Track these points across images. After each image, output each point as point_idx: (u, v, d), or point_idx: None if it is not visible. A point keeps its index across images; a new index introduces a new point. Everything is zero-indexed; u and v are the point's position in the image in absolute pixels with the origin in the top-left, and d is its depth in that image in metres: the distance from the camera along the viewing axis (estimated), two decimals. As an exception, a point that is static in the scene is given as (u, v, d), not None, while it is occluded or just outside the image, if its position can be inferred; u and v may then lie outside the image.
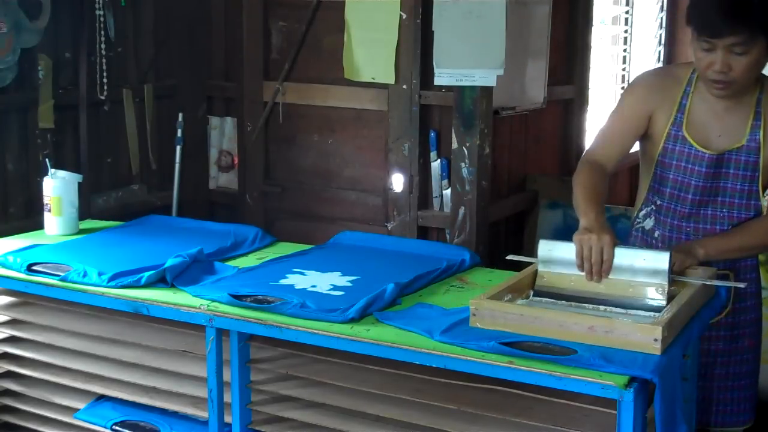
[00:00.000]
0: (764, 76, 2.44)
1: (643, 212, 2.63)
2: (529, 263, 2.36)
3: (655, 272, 2.18)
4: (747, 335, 2.56)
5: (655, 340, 1.89)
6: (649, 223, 2.61)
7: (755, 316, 2.58)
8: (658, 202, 2.57)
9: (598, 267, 2.21)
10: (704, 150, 2.43)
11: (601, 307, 2.20)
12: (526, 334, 1.99)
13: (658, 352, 1.89)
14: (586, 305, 2.21)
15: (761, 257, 3.56)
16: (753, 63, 2.30)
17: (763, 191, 2.49)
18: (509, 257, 2.44)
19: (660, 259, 2.18)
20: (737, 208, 2.48)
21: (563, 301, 2.24)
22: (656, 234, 2.59)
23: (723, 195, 2.48)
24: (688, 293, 2.15)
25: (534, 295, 2.28)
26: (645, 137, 2.56)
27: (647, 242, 2.61)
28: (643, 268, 2.19)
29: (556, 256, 2.28)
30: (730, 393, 2.54)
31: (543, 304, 2.21)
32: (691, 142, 2.45)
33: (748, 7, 2.23)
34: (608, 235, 2.22)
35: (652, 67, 2.54)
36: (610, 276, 2.21)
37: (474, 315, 2.07)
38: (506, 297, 2.18)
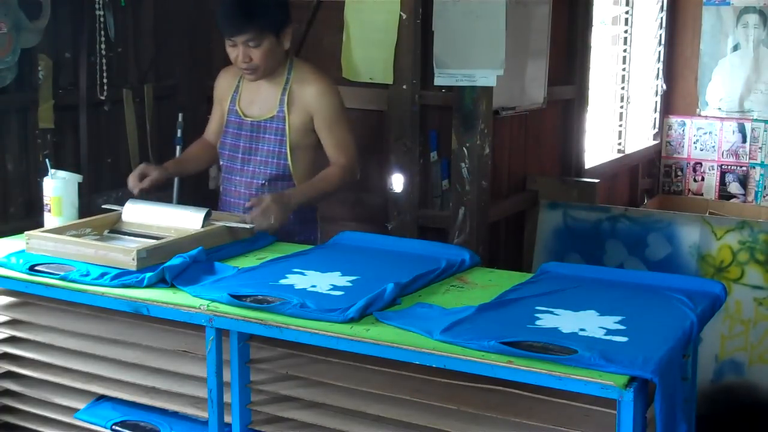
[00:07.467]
0: (295, 59, 3.19)
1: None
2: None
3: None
4: None
5: (133, 259, 2.45)
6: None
7: None
8: (222, 163, 3.28)
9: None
10: (246, 118, 3.18)
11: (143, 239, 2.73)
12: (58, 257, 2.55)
13: (134, 268, 2.42)
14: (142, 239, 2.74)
15: (761, 257, 3.57)
16: (267, 52, 3.02)
17: (291, 153, 3.13)
18: (105, 206, 2.99)
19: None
20: (270, 166, 3.15)
21: (130, 237, 2.80)
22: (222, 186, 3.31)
23: (261, 155, 3.16)
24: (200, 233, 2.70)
25: (109, 233, 2.85)
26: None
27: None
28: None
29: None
30: None
31: (106, 238, 2.79)
32: (240, 113, 3.20)
33: (252, 13, 2.95)
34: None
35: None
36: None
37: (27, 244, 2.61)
38: (87, 230, 2.77)
